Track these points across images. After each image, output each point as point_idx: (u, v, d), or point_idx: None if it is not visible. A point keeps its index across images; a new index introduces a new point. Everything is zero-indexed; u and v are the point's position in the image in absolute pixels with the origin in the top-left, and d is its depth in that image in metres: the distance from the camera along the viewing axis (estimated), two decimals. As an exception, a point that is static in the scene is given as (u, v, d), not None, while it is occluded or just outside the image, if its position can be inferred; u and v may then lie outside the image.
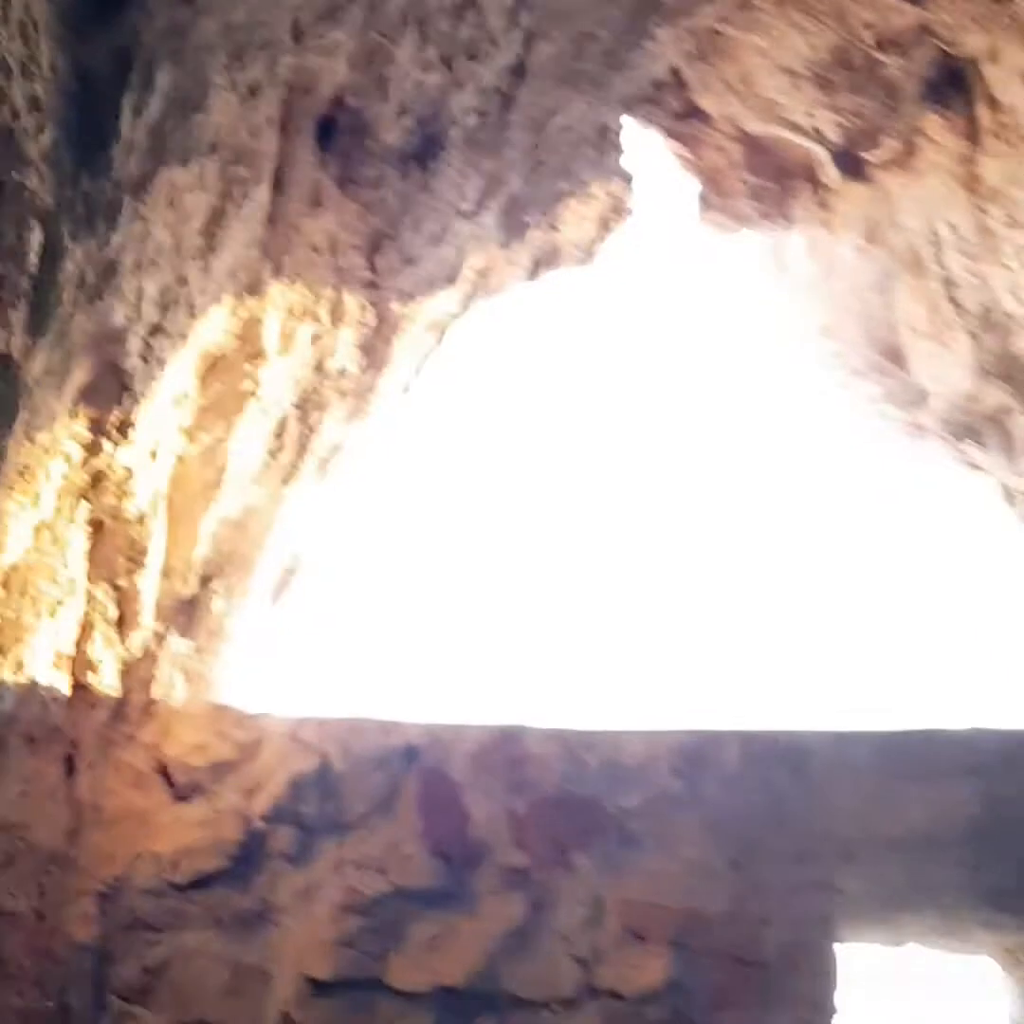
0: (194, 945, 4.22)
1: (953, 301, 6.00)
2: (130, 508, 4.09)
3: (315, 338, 4.55)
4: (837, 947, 4.23)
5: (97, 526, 4.05)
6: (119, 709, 4.42)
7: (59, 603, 4.00)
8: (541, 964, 4.19)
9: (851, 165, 5.81)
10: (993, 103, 5.38)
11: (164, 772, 4.43)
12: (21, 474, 3.56)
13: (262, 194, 4.12)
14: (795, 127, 5.77)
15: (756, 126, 5.85)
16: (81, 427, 3.77)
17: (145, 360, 3.84)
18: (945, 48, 5.32)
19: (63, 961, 4.21)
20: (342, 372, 4.73)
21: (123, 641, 4.33)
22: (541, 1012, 4.15)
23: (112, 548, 4.13)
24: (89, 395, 3.74)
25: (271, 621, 5.27)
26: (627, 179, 5.71)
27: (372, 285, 4.63)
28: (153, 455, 4.13)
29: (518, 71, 4.64)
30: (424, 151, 4.49)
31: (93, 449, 3.84)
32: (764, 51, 5.51)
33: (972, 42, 5.21)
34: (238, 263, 4.14)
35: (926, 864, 4.23)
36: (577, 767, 4.37)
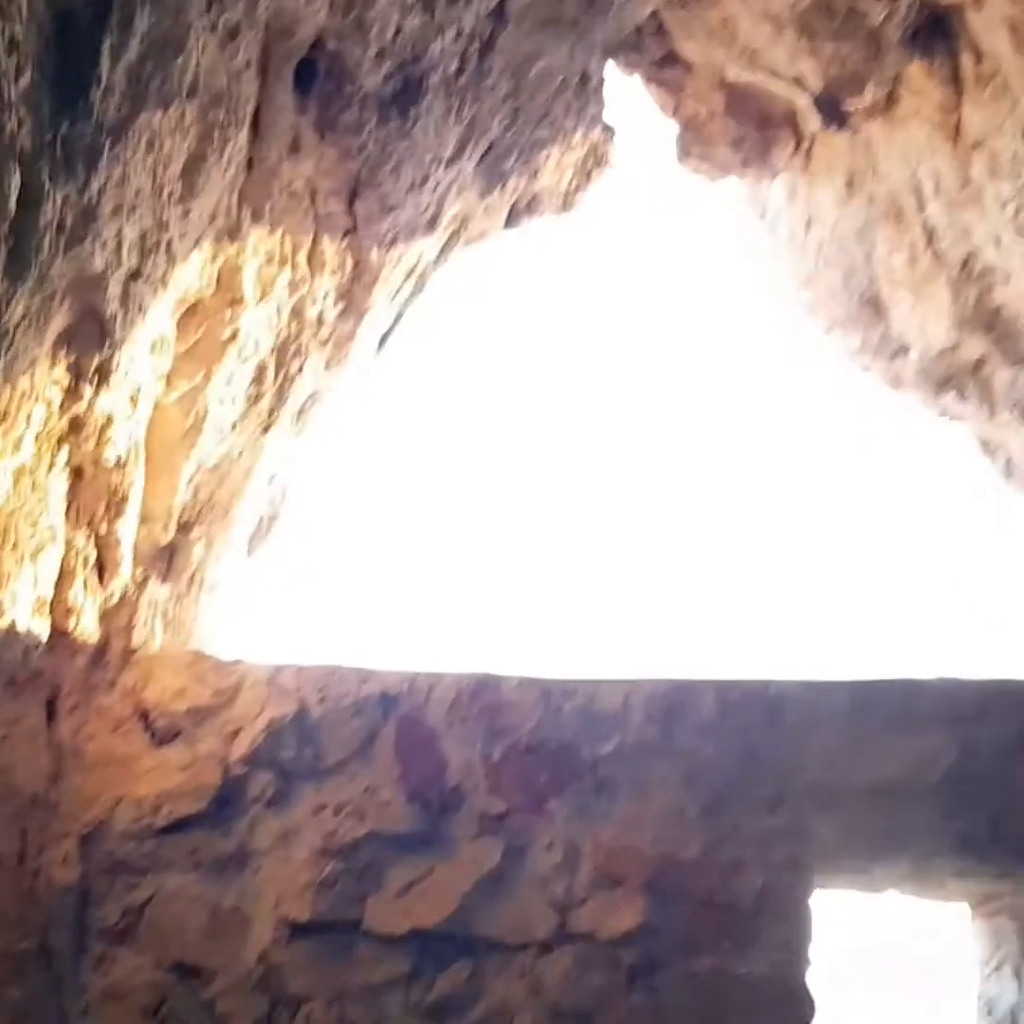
0: (174, 888, 4.26)
1: (934, 251, 6.00)
2: (110, 454, 4.08)
3: (293, 285, 4.53)
4: (811, 894, 4.29)
5: (77, 472, 4.04)
6: (99, 655, 4.44)
7: (40, 549, 4.00)
8: (516, 908, 4.25)
9: (833, 113, 5.78)
10: (977, 51, 5.36)
11: (144, 717, 4.45)
12: (1, 419, 3.55)
13: (241, 139, 4.08)
14: (777, 74, 5.73)
15: (737, 73, 5.82)
16: (61, 372, 3.76)
17: (124, 306, 3.82)
18: (929, -5, 5.30)
19: (44, 903, 4.24)
20: (320, 319, 4.72)
21: (103, 587, 4.34)
22: (516, 955, 4.21)
23: (92, 494, 4.13)
24: (69, 340, 3.72)
25: (250, 569, 5.29)
26: (608, 128, 5.68)
27: (351, 232, 4.61)
28: (133, 401, 4.12)
29: (498, 15, 4.59)
30: (404, 97, 4.45)
31: (73, 395, 3.83)
32: (746, -3, 5.48)
33: (956, -11, 5.19)
34: (217, 208, 4.11)
35: (900, 812, 4.29)
36: (553, 715, 4.41)
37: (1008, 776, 4.31)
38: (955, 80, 5.54)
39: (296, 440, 5.02)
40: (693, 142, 6.04)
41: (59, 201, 3.28)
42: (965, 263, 5.98)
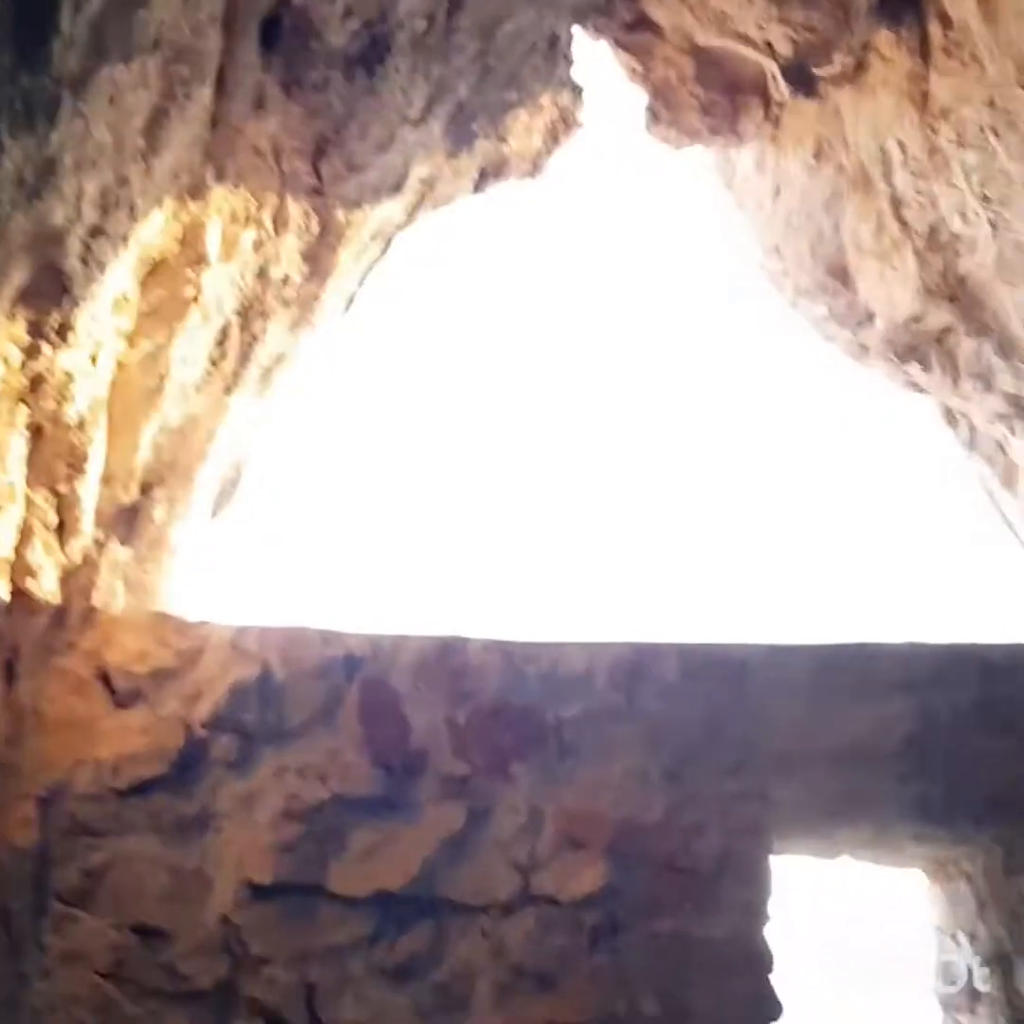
0: (134, 850, 4.24)
1: (900, 220, 6.00)
2: (70, 413, 4.04)
3: (258, 245, 4.49)
4: (772, 858, 4.32)
5: (36, 431, 4.00)
6: (60, 616, 4.40)
7: (-1, 508, 3.96)
8: (479, 871, 4.26)
9: (802, 80, 5.77)
10: (945, 20, 5.35)
11: (105, 679, 4.42)
12: (-40, 376, 3.51)
13: (205, 95, 4.04)
14: (746, 40, 5.71)
15: (707, 39, 5.79)
16: (20, 329, 3.71)
17: (85, 262, 3.77)
18: (899, -38, 5.29)
19: (3, 865, 4.21)
20: (285, 280, 4.68)
21: (63, 548, 4.30)
22: (478, 917, 4.22)
23: (52, 453, 4.08)
24: (28, 297, 3.68)
25: (214, 531, 5.25)
26: (576, 90, 5.66)
27: (316, 192, 4.57)
28: (93, 360, 4.07)
29: (466, -27, 4.57)
30: (370, 55, 4.41)
31: (32, 352, 3.78)
32: (716, -39, 5.46)
33: (924, -44, 5.18)
34: (180, 165, 4.07)
35: (860, 777, 4.33)
36: (517, 678, 4.41)
37: (966, 742, 4.34)
38: (923, 49, 5.52)
39: (261, 402, 4.98)
40: (662, 108, 6.02)
41: (18, 155, 3.24)
42: (931, 232, 5.98)
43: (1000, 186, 5.45)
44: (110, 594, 4.59)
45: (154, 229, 4.08)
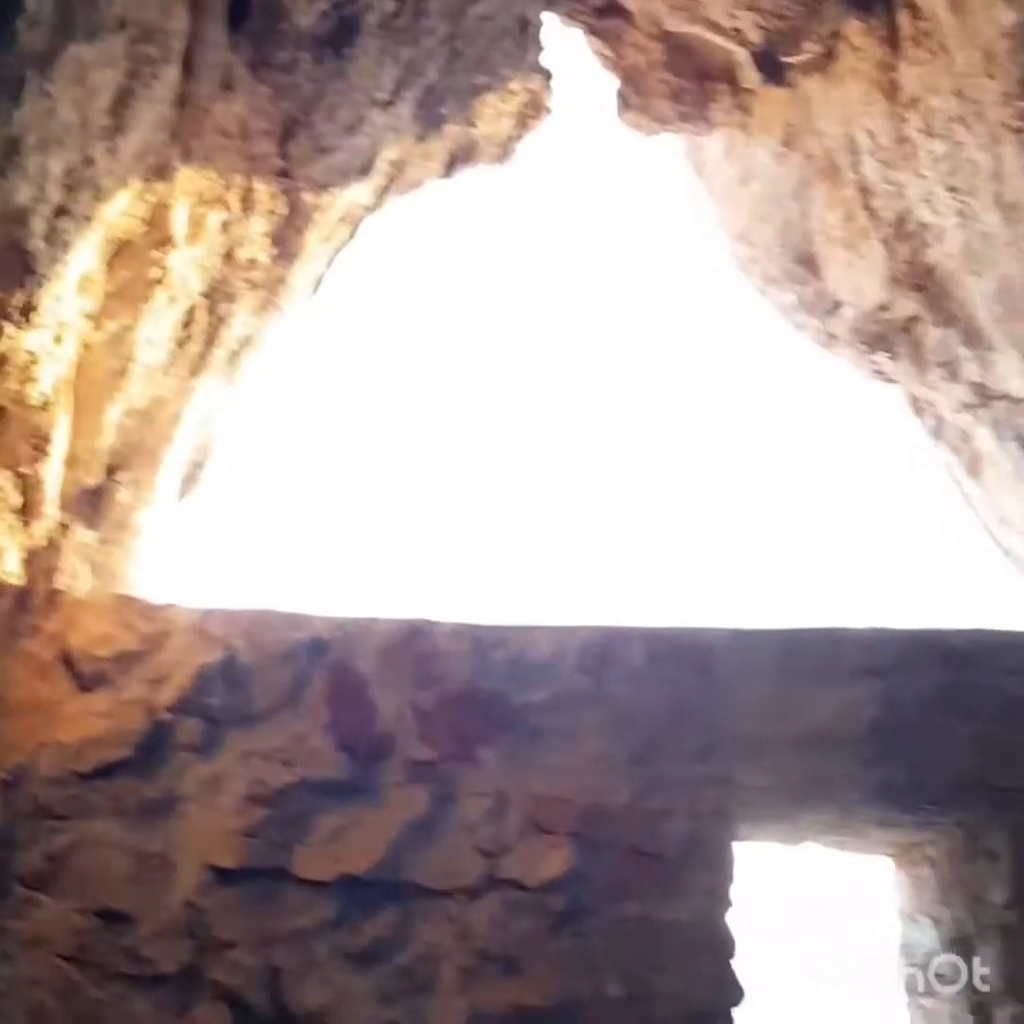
0: (98, 833, 4.22)
1: (868, 209, 6.02)
2: (34, 394, 4.01)
3: (225, 226, 4.47)
4: (736, 844, 4.33)
5: (0, 412, 3.97)
6: (23, 599, 4.37)
7: (-39, 490, 3.94)
8: (445, 855, 4.26)
9: (771, 68, 5.77)
10: (914, 9, 5.36)
11: (68, 662, 4.39)
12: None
13: (171, 75, 4.02)
14: (716, 27, 5.71)
15: (677, 25, 5.78)
16: (-17, 309, 3.69)
17: (49, 242, 3.75)
18: (868, -49, 5.30)
19: (-34, 848, 4.19)
20: (252, 262, 4.66)
21: (27, 530, 4.27)
22: (443, 901, 4.22)
23: (15, 434, 4.05)
24: (-9, 276, 3.65)
25: (180, 514, 5.22)
26: (547, 75, 5.64)
27: (284, 173, 4.55)
28: (57, 340, 4.04)
29: (436, -45, 4.55)
30: (339, 37, 4.39)
31: (-5, 332, 3.76)
32: (687, -52, 5.45)
33: (894, -55, 5.19)
34: (146, 145, 4.04)
35: (825, 762, 4.34)
36: (484, 663, 4.41)
37: (930, 727, 4.36)
38: (892, 38, 5.53)
39: (228, 385, 4.96)
40: (632, 94, 6.01)
41: (-18, 132, 3.21)
42: (899, 222, 6.00)
43: (967, 176, 5.47)
44: (74, 577, 4.56)
45: (120, 210, 4.05)
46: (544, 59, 5.63)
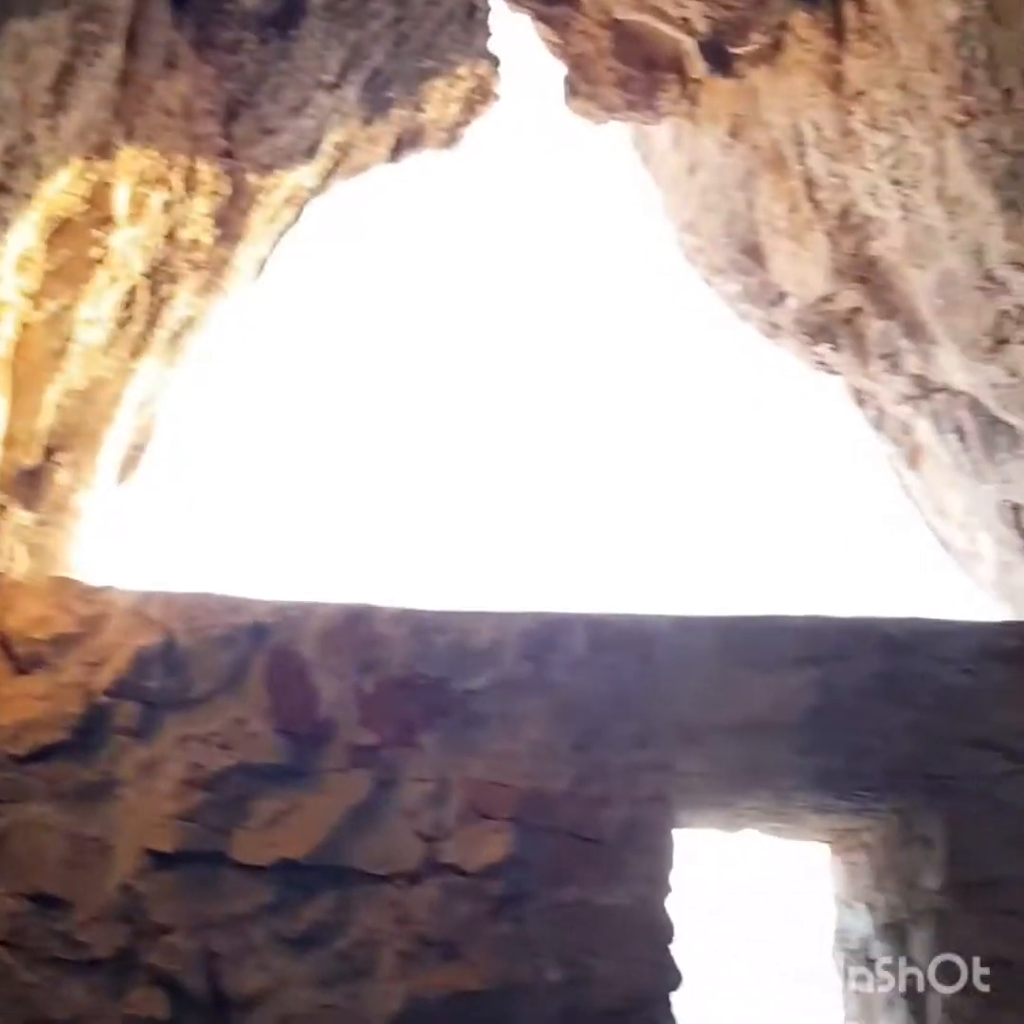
0: (34, 817, 4.18)
1: (813, 201, 6.05)
2: (-30, 373, 3.97)
3: (167, 206, 4.43)
4: (676, 831, 4.35)
5: (-64, 391, 3.93)
6: (-42, 581, 4.33)
7: (-103, 470, 3.88)
8: (385, 840, 4.25)
9: (719, 59, 5.78)
10: (860, 2, 5.39)
11: (5, 645, 4.34)
12: None
13: (114, 53, 3.98)
14: (664, 16, 5.71)
15: (625, 13, 5.78)
16: (-81, 287, 3.64)
17: (-12, 219, 3.71)
18: (815, -57, 5.32)
19: (-102, 832, 4.14)
20: (195, 243, 4.63)
21: (-38, 511, 4.23)
22: (383, 886, 4.22)
23: (-49, 414, 4.02)
24: (-73, 253, 3.61)
25: (120, 497, 5.18)
26: (495, 61, 5.63)
27: (228, 154, 4.52)
28: (-4, 319, 4.01)
29: (383, -64, 4.53)
30: (284, 17, 4.36)
31: (-68, 310, 3.71)
32: (635, -65, 5.45)
33: (840, -62, 5.22)
34: (88, 123, 4.01)
35: (763, 749, 4.37)
36: (426, 648, 4.40)
37: (866, 715, 4.40)
38: (838, 31, 5.56)
39: (170, 367, 4.92)
40: (580, 81, 6.00)
41: (-81, 107, 3.17)
42: (843, 214, 6.03)
43: (911, 169, 5.51)
44: (11, 559, 4.51)
45: (61, 188, 4.01)
46: (492, 45, 5.62)
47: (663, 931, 4.25)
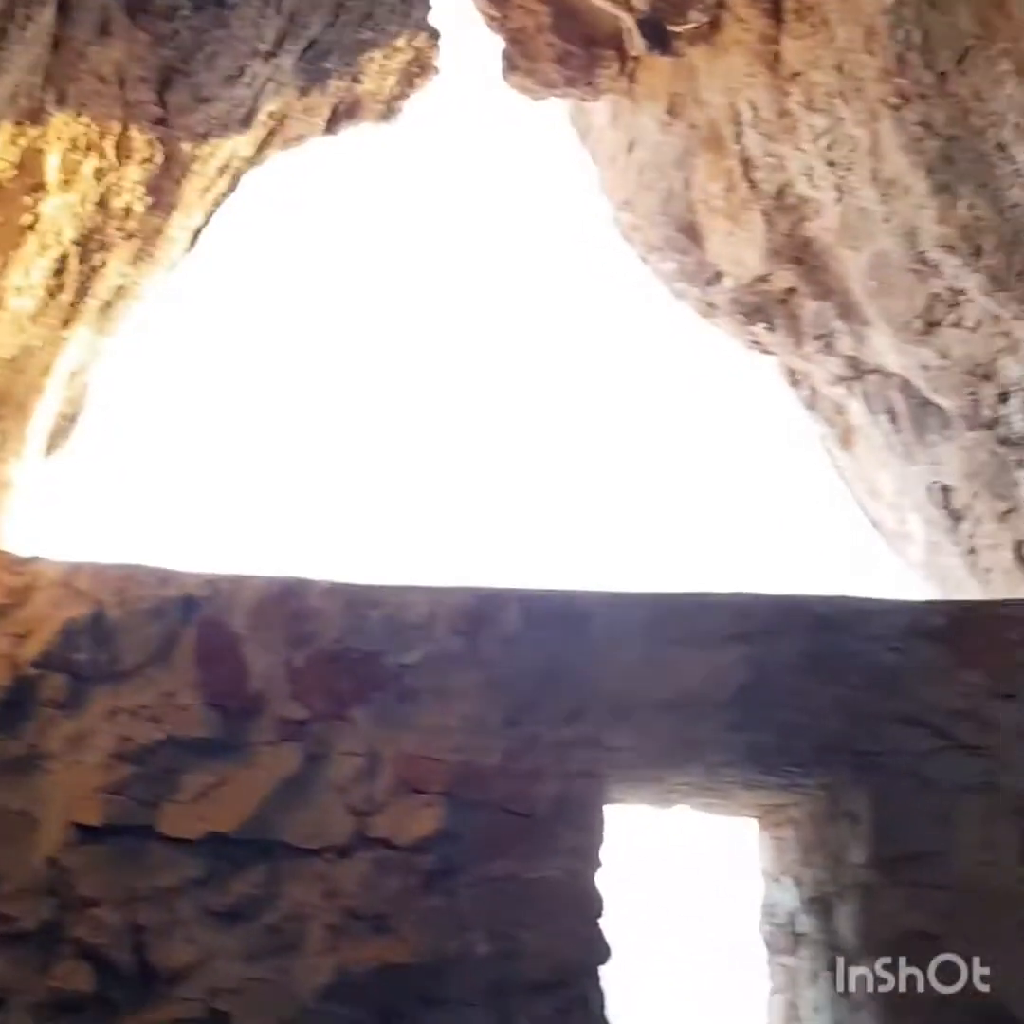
0: (-42, 790, 4.14)
1: (750, 181, 6.08)
2: None
3: (99, 173, 4.38)
4: (607, 807, 4.38)
5: None
6: None
7: None
8: (315, 814, 4.24)
9: (657, 36, 5.79)
10: (798, -17, 5.42)
11: (-71, 616, 4.29)
12: None
13: (46, 17, 3.92)
14: (604, -8, 5.72)
15: (565, -13, 5.79)
16: None
17: (-87, 183, 3.64)
18: (753, -78, 5.33)
19: None
20: (128, 211, 4.57)
21: None
22: (313, 860, 4.21)
23: None
24: None
25: (48, 468, 5.12)
26: (434, 34, 5.60)
27: (162, 122, 4.47)
28: (-78, 286, 3.94)
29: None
30: (221, -16, 4.31)
31: None
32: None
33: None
34: (19, 88, 3.95)
35: (693, 724, 4.40)
36: (358, 622, 4.39)
37: (795, 692, 4.44)
38: (776, 11, 5.59)
39: (101, 336, 4.86)
40: (519, 56, 5.99)
41: None
42: (779, 194, 6.07)
43: (846, 151, 5.55)
44: (-63, 529, 4.45)
45: (-11, 152, 3.95)
46: (432, 17, 5.59)
47: (593, 905, 4.27)
